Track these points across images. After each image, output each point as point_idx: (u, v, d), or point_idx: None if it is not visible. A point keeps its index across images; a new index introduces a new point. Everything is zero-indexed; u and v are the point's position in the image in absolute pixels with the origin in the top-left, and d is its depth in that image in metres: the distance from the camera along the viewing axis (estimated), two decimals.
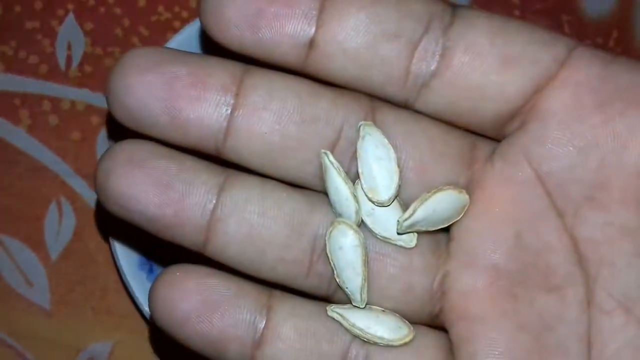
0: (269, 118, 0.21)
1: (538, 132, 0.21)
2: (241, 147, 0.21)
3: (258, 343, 0.21)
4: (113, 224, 0.32)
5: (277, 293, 0.22)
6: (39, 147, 0.38)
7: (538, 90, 0.21)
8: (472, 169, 0.22)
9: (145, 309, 0.34)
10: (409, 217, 0.21)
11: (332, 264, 0.22)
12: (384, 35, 0.20)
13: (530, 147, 0.21)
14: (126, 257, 0.34)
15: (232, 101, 0.21)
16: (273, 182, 0.22)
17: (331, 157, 0.21)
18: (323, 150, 0.21)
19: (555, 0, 0.41)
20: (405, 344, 0.22)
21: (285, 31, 0.20)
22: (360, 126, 0.21)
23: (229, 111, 0.21)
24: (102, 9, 0.39)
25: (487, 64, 0.21)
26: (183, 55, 0.21)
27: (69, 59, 0.39)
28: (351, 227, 0.21)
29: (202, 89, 0.20)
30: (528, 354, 0.21)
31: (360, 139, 0.21)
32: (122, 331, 0.37)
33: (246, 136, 0.21)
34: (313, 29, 0.20)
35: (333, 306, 0.22)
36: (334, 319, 0.22)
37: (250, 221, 0.21)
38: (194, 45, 0.34)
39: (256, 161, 0.21)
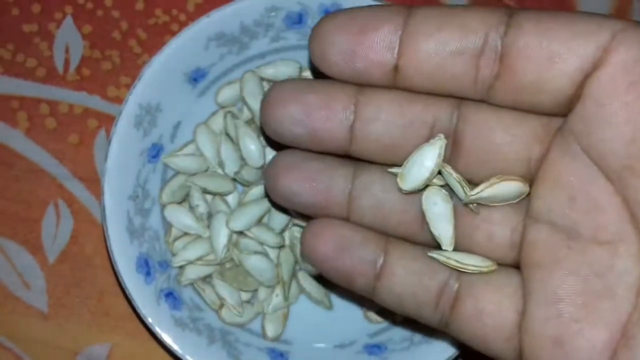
0: (379, 126, 0.27)
1: (579, 112, 0.25)
2: (362, 150, 0.28)
3: (378, 277, 0.28)
4: None
5: (393, 240, 0.28)
6: (36, 149, 0.38)
7: (587, 76, 0.24)
8: (544, 142, 0.26)
9: (143, 311, 0.34)
10: (475, 194, 0.27)
11: (427, 217, 0.27)
12: (451, 54, 0.25)
13: (574, 125, 0.25)
14: (123, 260, 0.34)
15: (351, 117, 0.27)
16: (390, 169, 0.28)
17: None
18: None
19: (551, 0, 0.41)
20: (492, 271, 0.27)
21: (374, 63, 0.26)
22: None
23: (349, 124, 0.27)
24: (100, 12, 0.39)
25: (536, 64, 0.25)
26: (314, 84, 0.27)
27: (66, 62, 0.39)
28: (441, 189, 0.27)
29: (329, 110, 0.27)
30: (575, 295, 0.25)
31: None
32: (119, 333, 0.37)
33: (364, 141, 0.27)
34: (395, 59, 0.26)
35: (432, 251, 0.28)
36: (433, 257, 0.27)
37: (377, 197, 0.28)
38: (193, 48, 0.35)
39: (374, 158, 0.28)
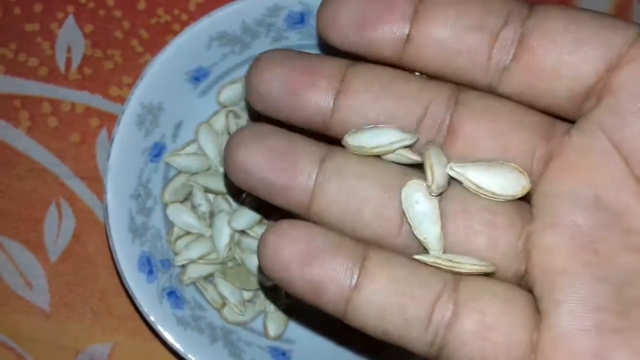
0: (367, 98, 0.25)
1: (611, 105, 0.23)
2: (344, 124, 0.25)
3: (355, 286, 0.24)
4: None
5: (373, 246, 0.24)
6: (38, 148, 0.38)
7: (610, 69, 0.23)
8: (550, 142, 0.24)
9: (145, 310, 0.34)
10: (461, 165, 0.24)
11: (408, 219, 0.24)
12: (469, 27, 0.24)
13: (604, 119, 0.23)
14: (126, 259, 0.34)
15: (337, 86, 0.25)
16: (371, 157, 0.25)
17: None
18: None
19: (550, 1, 0.41)
20: (493, 272, 0.24)
21: (386, 30, 0.24)
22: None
23: (334, 94, 0.25)
24: (102, 12, 0.39)
25: (560, 47, 0.23)
26: (301, 54, 0.26)
27: (68, 61, 0.39)
28: (422, 184, 0.24)
29: (313, 77, 0.25)
30: (610, 303, 0.22)
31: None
32: (121, 333, 0.37)
33: (348, 114, 0.25)
34: (408, 27, 0.24)
35: (418, 256, 0.24)
36: (420, 262, 0.24)
37: (349, 183, 0.24)
38: (195, 48, 0.35)
39: None
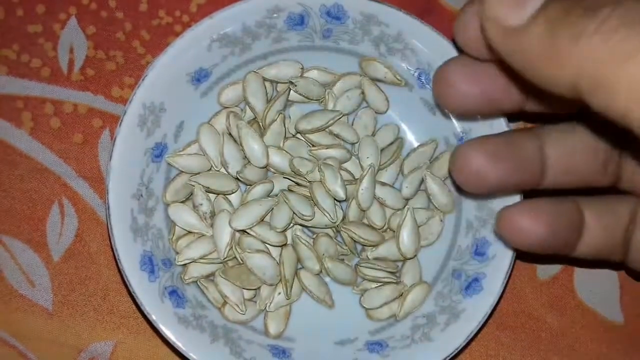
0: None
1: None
2: None
3: (578, 237, 0.33)
4: None
5: (587, 203, 0.33)
6: (41, 149, 0.39)
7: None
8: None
9: (147, 309, 0.34)
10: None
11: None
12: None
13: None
14: (127, 258, 0.34)
15: None
16: None
17: None
18: None
19: None
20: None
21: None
22: None
23: None
24: (104, 13, 0.40)
25: None
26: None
27: (71, 63, 0.39)
28: None
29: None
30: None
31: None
32: (123, 331, 0.37)
33: None
34: None
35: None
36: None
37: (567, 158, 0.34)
38: (196, 49, 0.35)
39: None
